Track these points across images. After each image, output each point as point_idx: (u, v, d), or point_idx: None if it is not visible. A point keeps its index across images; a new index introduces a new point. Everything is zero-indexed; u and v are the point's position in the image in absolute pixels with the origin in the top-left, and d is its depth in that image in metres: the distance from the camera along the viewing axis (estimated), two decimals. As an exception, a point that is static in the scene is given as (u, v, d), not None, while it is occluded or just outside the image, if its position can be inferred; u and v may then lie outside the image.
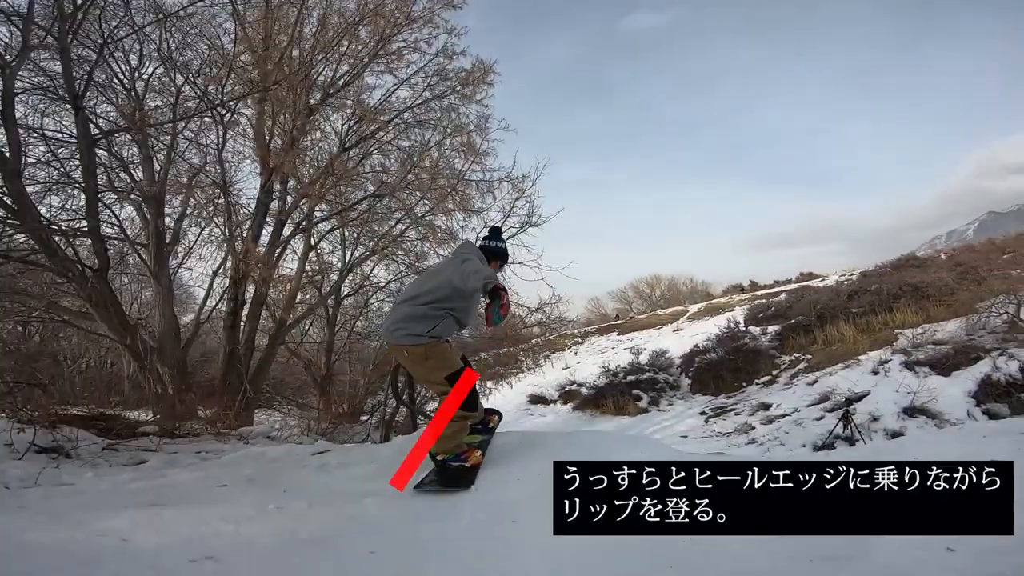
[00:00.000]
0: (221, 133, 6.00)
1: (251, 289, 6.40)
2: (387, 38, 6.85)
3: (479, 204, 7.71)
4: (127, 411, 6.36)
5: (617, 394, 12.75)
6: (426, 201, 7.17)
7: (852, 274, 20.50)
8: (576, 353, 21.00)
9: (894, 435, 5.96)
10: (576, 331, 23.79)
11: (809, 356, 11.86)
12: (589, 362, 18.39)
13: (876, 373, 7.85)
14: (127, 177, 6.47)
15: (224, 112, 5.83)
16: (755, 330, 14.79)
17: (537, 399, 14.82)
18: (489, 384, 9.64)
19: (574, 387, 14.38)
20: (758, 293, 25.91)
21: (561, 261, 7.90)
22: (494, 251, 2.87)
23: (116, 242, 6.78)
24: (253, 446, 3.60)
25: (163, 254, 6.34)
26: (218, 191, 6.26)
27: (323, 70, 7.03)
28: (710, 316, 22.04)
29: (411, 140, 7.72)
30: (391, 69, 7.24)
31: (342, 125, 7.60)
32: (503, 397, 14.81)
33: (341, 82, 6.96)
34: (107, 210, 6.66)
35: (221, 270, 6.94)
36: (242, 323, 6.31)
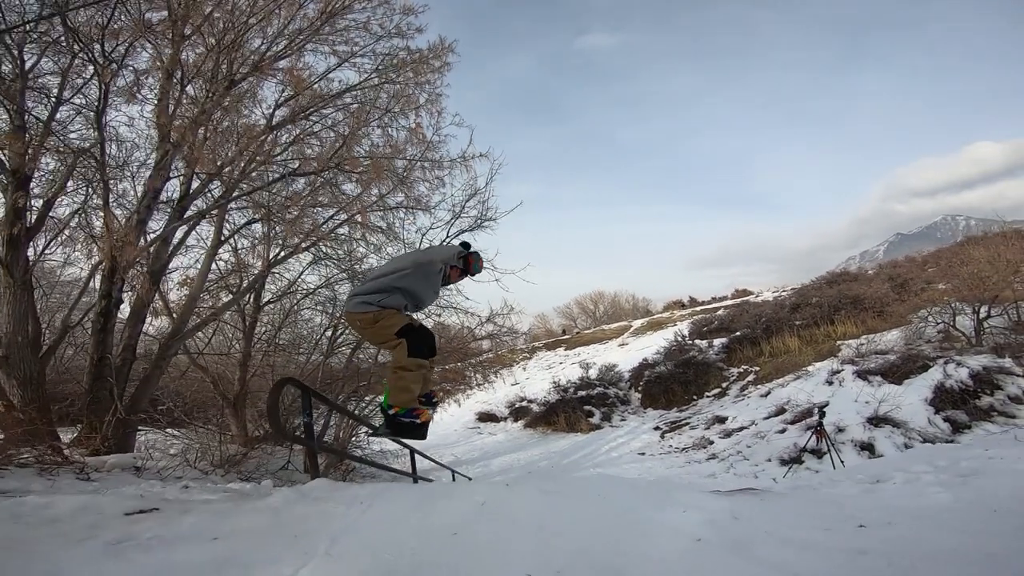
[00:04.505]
0: (103, 91, 4.85)
1: (136, 287, 5.19)
2: (335, 12, 5.99)
3: (427, 200, 6.94)
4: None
5: (569, 410, 12.23)
6: (372, 192, 6.28)
7: (785, 290, 21.52)
8: (525, 368, 20.38)
9: (863, 446, 5.70)
10: (525, 346, 23.23)
11: (757, 368, 11.90)
12: (538, 377, 17.81)
13: (831, 383, 7.76)
14: None
15: (106, 62, 4.69)
16: (702, 343, 14.83)
17: (487, 416, 14.00)
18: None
19: (524, 403, 13.70)
20: (698, 309, 26.77)
21: (515, 275, 7.16)
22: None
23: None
24: (88, 485, 2.51)
25: (20, 239, 5.02)
26: (93, 163, 5.05)
27: (259, 44, 6.04)
28: (654, 331, 22.30)
29: (350, 128, 6.84)
30: (336, 51, 6.36)
31: (272, 107, 6.58)
32: (451, 415, 13.84)
33: (274, 56, 5.98)
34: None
35: (103, 265, 5.64)
36: (119, 326, 5.09)
